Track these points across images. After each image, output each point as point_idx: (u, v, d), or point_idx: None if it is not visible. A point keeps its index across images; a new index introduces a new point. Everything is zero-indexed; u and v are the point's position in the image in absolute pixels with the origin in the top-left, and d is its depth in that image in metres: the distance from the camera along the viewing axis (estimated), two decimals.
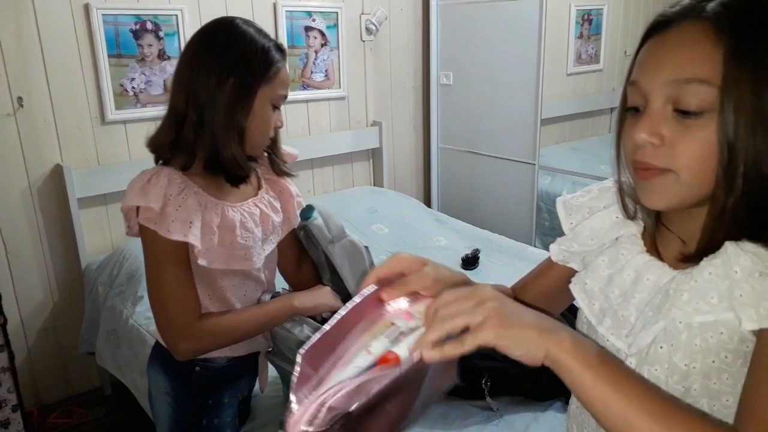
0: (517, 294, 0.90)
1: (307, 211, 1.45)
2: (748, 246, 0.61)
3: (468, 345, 0.58)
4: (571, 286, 0.79)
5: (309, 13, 2.97)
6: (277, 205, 1.36)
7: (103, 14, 2.37)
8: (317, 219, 1.44)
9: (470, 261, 2.51)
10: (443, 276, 0.71)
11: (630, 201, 0.74)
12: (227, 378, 1.35)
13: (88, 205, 2.48)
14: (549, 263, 0.87)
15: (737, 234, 0.62)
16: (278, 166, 1.36)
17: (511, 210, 3.22)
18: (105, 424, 2.51)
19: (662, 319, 0.65)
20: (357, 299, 0.68)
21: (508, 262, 2.54)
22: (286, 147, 1.40)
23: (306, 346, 0.63)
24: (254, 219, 1.27)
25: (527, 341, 0.59)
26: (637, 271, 0.71)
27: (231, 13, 2.72)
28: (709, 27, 0.59)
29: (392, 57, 3.42)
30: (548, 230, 3.14)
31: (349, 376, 0.61)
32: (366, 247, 1.50)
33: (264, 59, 1.19)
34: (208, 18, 2.91)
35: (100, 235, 2.57)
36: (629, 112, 0.67)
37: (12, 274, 2.39)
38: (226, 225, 1.21)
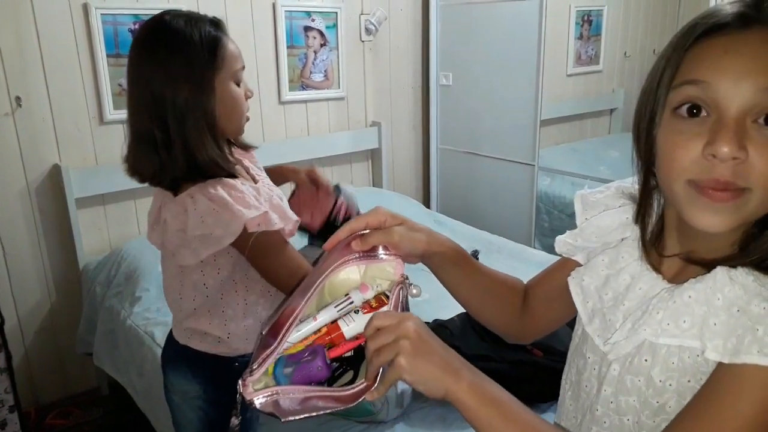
0: (529, 290, 0.90)
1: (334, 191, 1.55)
2: (741, 275, 0.59)
3: (387, 383, 0.63)
4: (569, 279, 0.79)
5: (308, 13, 2.97)
6: (260, 170, 1.40)
7: (101, 14, 2.37)
8: (340, 198, 1.52)
9: None
10: (410, 237, 0.74)
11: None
12: None
13: (86, 205, 2.48)
14: (562, 261, 0.86)
15: (741, 258, 0.60)
16: (243, 142, 1.35)
17: (510, 211, 3.22)
18: (102, 424, 2.50)
19: (635, 334, 0.65)
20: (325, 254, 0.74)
21: (508, 263, 2.54)
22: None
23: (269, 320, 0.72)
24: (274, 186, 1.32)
25: (430, 378, 0.62)
26: (633, 277, 0.70)
27: (230, 13, 2.72)
28: None
29: (392, 57, 3.42)
30: (548, 231, 3.13)
31: (292, 340, 0.68)
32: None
33: (208, 49, 1.15)
34: None
35: (98, 236, 2.56)
36: (678, 115, 0.60)
37: (9, 274, 2.38)
38: (279, 196, 1.26)
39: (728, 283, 0.59)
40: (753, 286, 0.58)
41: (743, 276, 0.59)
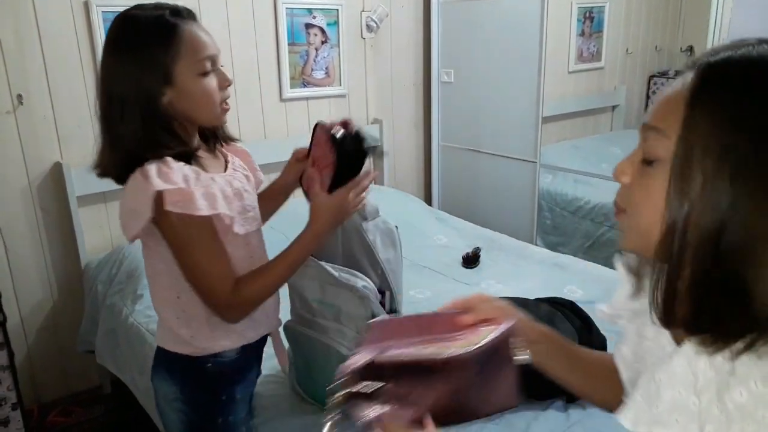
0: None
1: None
2: (702, 359, 0.56)
3: None
4: (614, 353, 0.80)
5: (309, 11, 2.96)
6: (245, 169, 1.35)
7: (102, 11, 2.36)
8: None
9: (471, 259, 2.50)
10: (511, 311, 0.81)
11: None
12: (238, 370, 1.33)
13: (88, 203, 2.48)
14: None
15: (699, 321, 0.56)
16: (225, 134, 1.31)
17: (512, 208, 3.21)
18: (104, 422, 2.51)
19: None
20: (437, 312, 0.81)
21: (509, 260, 2.53)
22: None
23: (380, 319, 0.75)
24: (243, 184, 1.27)
25: None
26: (652, 340, 0.69)
27: (231, 10, 2.72)
28: (689, 81, 0.57)
29: (393, 54, 3.41)
30: (549, 229, 3.13)
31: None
32: (396, 227, 1.58)
33: (161, 37, 1.11)
34: (208, 15, 2.88)
35: (100, 234, 2.56)
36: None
37: (12, 272, 2.39)
38: (234, 193, 1.22)
39: (686, 365, 0.57)
40: (720, 363, 0.55)
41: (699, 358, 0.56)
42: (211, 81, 1.16)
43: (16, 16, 2.24)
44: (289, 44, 2.92)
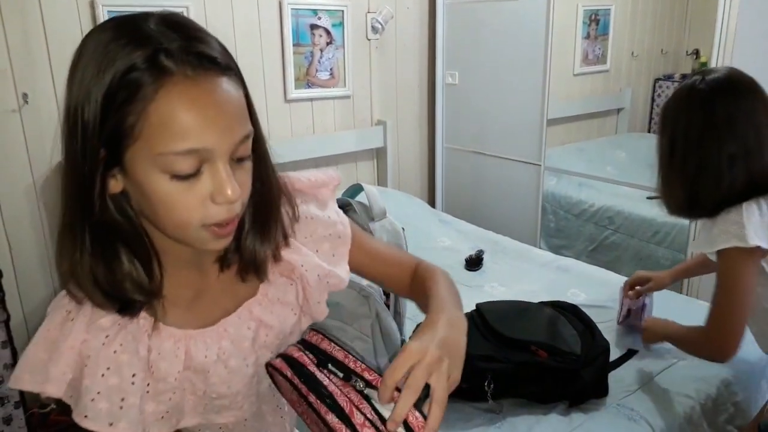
0: None
1: (356, 190, 1.56)
2: None
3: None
4: None
5: (315, 11, 2.97)
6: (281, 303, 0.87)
7: (108, 11, 2.37)
8: (363, 198, 1.51)
9: (474, 262, 2.50)
10: None
11: None
12: None
13: None
14: None
15: None
16: (255, 260, 0.81)
17: (516, 211, 3.21)
18: None
19: None
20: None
21: (513, 263, 2.53)
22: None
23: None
24: (229, 354, 0.82)
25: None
26: None
27: (236, 11, 2.72)
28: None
29: (398, 56, 3.41)
30: (553, 231, 3.12)
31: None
32: (402, 228, 1.56)
33: (120, 94, 0.64)
34: (214, 14, 2.88)
35: None
36: None
37: (15, 270, 2.39)
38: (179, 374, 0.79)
39: None
40: None
41: None
42: (192, 188, 0.66)
43: (23, 15, 2.24)
44: (294, 45, 2.92)
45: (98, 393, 0.72)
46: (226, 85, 0.67)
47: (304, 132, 3.08)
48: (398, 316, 1.57)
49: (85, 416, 0.72)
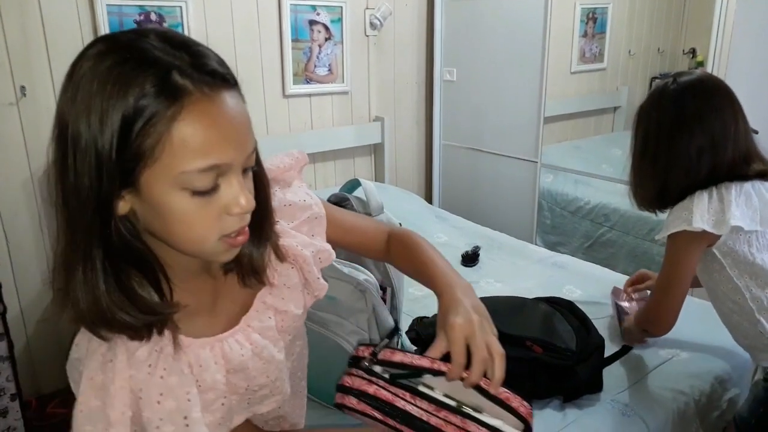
0: None
1: (353, 185, 1.56)
2: None
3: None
4: None
5: (313, 7, 2.97)
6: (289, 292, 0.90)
7: (107, 4, 2.37)
8: (361, 193, 1.54)
9: (470, 258, 2.51)
10: None
11: None
12: None
13: None
14: None
15: None
16: (254, 266, 0.83)
17: (512, 208, 3.22)
18: None
19: None
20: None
21: (509, 259, 2.54)
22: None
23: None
24: (249, 351, 0.85)
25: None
26: None
27: (236, 6, 2.72)
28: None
29: (396, 52, 3.41)
30: (549, 228, 3.14)
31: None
32: (399, 224, 1.56)
33: (137, 118, 0.63)
34: (212, 10, 2.87)
35: None
36: None
37: (12, 263, 2.39)
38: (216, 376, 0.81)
39: None
40: None
41: None
42: (210, 203, 0.68)
43: (21, 8, 2.24)
44: (292, 40, 2.92)
45: (161, 419, 0.74)
46: (236, 98, 0.69)
47: (302, 127, 3.08)
48: (394, 311, 1.57)
49: None
